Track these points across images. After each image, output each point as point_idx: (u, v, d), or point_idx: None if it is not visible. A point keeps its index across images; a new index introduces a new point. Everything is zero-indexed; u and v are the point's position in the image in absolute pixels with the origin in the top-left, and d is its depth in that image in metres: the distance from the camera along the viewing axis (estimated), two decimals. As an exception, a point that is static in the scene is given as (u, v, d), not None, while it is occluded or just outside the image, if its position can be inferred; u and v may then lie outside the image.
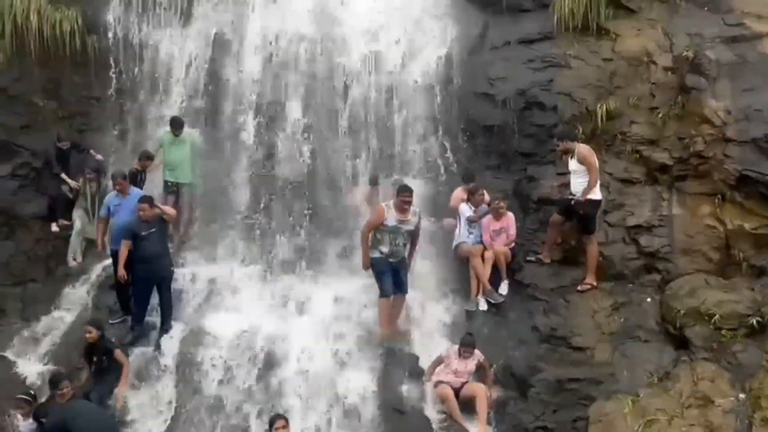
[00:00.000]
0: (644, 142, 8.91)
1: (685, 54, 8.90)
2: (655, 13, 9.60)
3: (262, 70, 10.09)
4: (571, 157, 8.36)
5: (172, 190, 9.53)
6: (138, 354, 8.11)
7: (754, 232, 8.05)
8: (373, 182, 9.53)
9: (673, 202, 8.57)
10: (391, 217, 7.98)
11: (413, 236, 8.20)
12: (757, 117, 8.33)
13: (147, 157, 9.47)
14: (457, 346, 7.79)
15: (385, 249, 7.99)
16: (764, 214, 8.09)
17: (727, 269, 8.11)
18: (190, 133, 9.69)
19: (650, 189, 8.76)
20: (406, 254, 8.21)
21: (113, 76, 10.16)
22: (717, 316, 7.49)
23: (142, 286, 8.29)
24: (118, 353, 7.73)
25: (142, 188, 9.22)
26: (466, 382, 7.73)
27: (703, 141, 8.50)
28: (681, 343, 7.65)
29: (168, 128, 9.59)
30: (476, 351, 7.78)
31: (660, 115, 8.87)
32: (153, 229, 8.20)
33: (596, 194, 8.29)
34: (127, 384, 7.67)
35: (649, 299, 8.16)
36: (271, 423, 6.85)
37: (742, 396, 6.87)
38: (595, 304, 8.18)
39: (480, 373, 7.83)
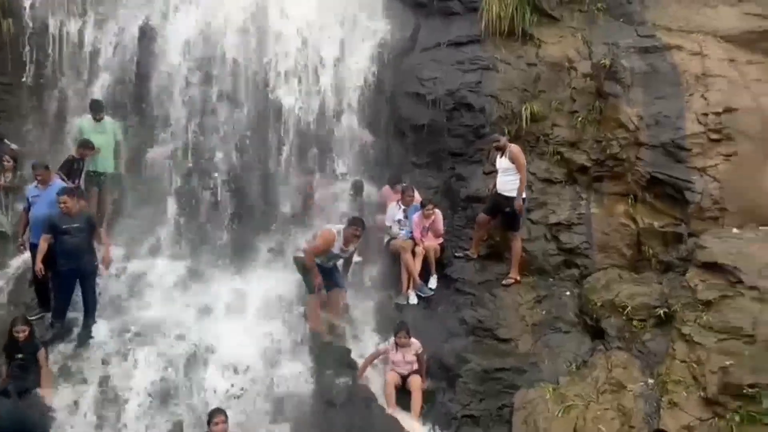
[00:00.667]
0: (565, 144, 9.39)
1: (602, 62, 9.42)
2: (576, 21, 10.12)
3: (189, 61, 9.88)
4: (501, 156, 8.71)
5: (96, 180, 9.19)
6: (59, 351, 7.81)
7: (663, 230, 8.66)
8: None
9: (591, 202, 9.08)
10: (337, 246, 8.19)
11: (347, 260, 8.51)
12: (666, 123, 8.96)
13: (86, 146, 9.00)
14: (393, 339, 7.95)
15: (317, 261, 8.17)
16: (672, 213, 8.71)
17: (639, 264, 8.66)
18: (112, 121, 9.36)
19: (570, 189, 9.24)
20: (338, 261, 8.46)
21: (30, 62, 9.70)
22: (629, 307, 7.99)
23: (64, 281, 7.98)
24: (41, 353, 7.45)
25: (79, 177, 8.82)
26: (408, 375, 7.88)
27: (618, 144, 9.06)
28: (597, 333, 8.13)
29: (88, 114, 9.21)
30: (414, 341, 7.95)
31: (579, 119, 9.37)
32: (76, 224, 7.90)
33: (523, 193, 8.68)
34: (50, 383, 7.39)
35: (568, 292, 8.63)
36: (210, 418, 6.80)
37: (651, 381, 7.36)
38: (518, 298, 8.56)
39: (418, 363, 7.98)
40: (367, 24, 10.43)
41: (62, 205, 7.83)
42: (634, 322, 7.92)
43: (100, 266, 8.17)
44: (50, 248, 7.90)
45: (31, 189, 8.41)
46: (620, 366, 7.57)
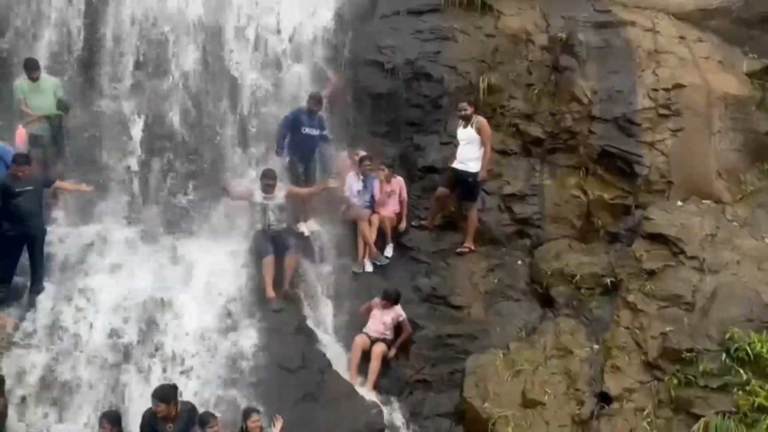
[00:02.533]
0: (521, 117, 9.50)
1: (559, 35, 9.55)
2: (535, -6, 10.18)
3: (138, 23, 9.54)
4: (465, 126, 8.76)
5: (39, 143, 8.86)
6: (6, 316, 7.62)
7: (612, 202, 8.93)
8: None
9: (544, 174, 9.27)
10: (258, 195, 8.54)
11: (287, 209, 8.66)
12: (618, 98, 9.17)
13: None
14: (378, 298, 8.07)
15: (259, 225, 8.43)
16: (621, 186, 8.99)
17: (588, 235, 8.93)
18: (49, 78, 8.95)
19: (524, 161, 9.40)
20: (284, 225, 8.58)
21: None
22: (578, 276, 8.28)
23: (12, 246, 7.76)
24: None
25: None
26: (385, 339, 7.99)
27: (572, 118, 9.24)
28: (547, 301, 8.40)
29: (24, 75, 8.80)
30: (397, 308, 8.08)
31: (536, 92, 9.49)
32: (30, 186, 7.67)
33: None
34: None
35: (520, 262, 8.85)
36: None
37: (596, 347, 7.70)
38: (472, 266, 8.73)
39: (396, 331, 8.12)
40: (326, -11, 10.24)
41: (20, 174, 7.64)
42: (582, 291, 8.22)
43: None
44: None
45: None
46: (568, 332, 7.87)
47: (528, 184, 9.22)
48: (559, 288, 8.32)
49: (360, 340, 8.00)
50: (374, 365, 7.87)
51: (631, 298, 7.80)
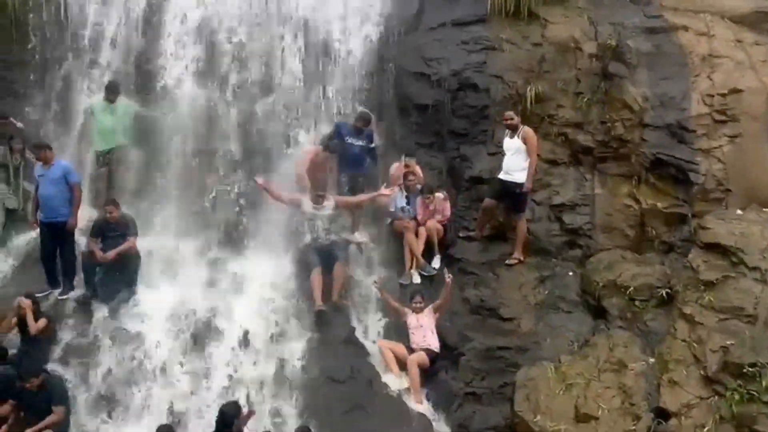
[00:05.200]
0: (569, 125, 9.36)
1: (608, 42, 9.38)
2: (582, 1, 9.98)
3: (196, 37, 9.84)
4: (511, 136, 8.69)
5: (105, 162, 9.20)
6: (68, 328, 7.91)
7: (666, 211, 8.68)
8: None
9: (594, 183, 9.09)
10: (307, 205, 8.56)
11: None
12: (671, 104, 8.94)
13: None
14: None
15: (308, 237, 8.50)
16: (675, 194, 8.73)
17: (641, 245, 8.69)
18: (126, 103, 9.35)
19: (574, 170, 9.24)
20: (333, 237, 8.61)
21: (34, 39, 9.67)
22: (631, 288, 8.05)
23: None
24: (41, 321, 7.54)
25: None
26: (423, 347, 8.01)
27: (623, 125, 9.05)
28: (599, 313, 8.20)
29: (101, 95, 9.22)
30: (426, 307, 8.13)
31: (585, 100, 9.33)
32: (117, 233, 8.24)
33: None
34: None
35: (571, 273, 8.67)
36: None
37: (651, 360, 7.45)
38: (521, 278, 8.60)
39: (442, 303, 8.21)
40: (369, 4, 10.33)
41: (109, 215, 8.20)
42: (636, 303, 7.99)
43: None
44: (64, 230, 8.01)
45: (37, 169, 8.46)
46: (621, 345, 7.65)
47: (578, 193, 9.06)
48: (612, 299, 8.12)
49: (384, 344, 8.04)
50: (412, 374, 7.83)
51: (688, 310, 7.55)
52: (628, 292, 8.04)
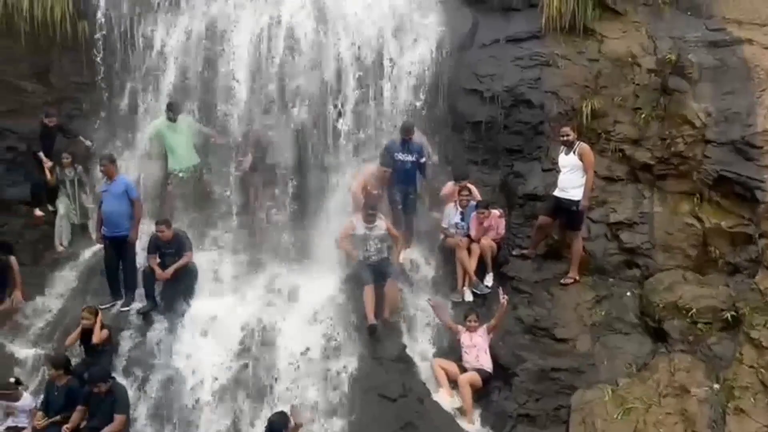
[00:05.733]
0: (627, 142, 9.18)
1: (668, 57, 9.17)
2: (640, 15, 9.85)
3: (254, 59, 10.08)
4: (567, 153, 8.56)
5: (176, 179, 9.51)
6: (129, 339, 8.16)
7: (730, 231, 8.36)
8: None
9: (654, 200, 8.85)
10: (360, 227, 8.50)
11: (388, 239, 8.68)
12: (735, 119, 8.64)
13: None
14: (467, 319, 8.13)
15: (360, 255, 8.50)
16: (740, 213, 8.40)
17: (704, 265, 8.39)
18: (185, 118, 9.65)
19: (632, 187, 9.03)
20: (385, 254, 8.61)
21: (102, 61, 10.12)
22: (694, 310, 7.77)
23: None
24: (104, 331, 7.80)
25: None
26: (476, 367, 7.96)
27: (684, 142, 8.80)
28: (659, 335, 7.93)
29: (163, 115, 9.54)
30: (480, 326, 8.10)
31: (643, 116, 9.13)
32: (171, 250, 8.52)
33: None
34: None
35: (629, 293, 8.43)
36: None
37: (716, 386, 7.15)
38: (577, 297, 8.43)
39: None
40: (423, 22, 10.39)
41: (160, 234, 8.41)
42: (699, 325, 7.71)
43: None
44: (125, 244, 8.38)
45: (102, 185, 8.82)
46: (683, 369, 7.38)
47: (636, 211, 8.83)
48: (673, 322, 7.84)
49: (436, 362, 7.99)
50: (464, 394, 7.74)
51: (755, 334, 7.22)
52: (690, 314, 7.76)
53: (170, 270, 8.33)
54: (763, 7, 9.57)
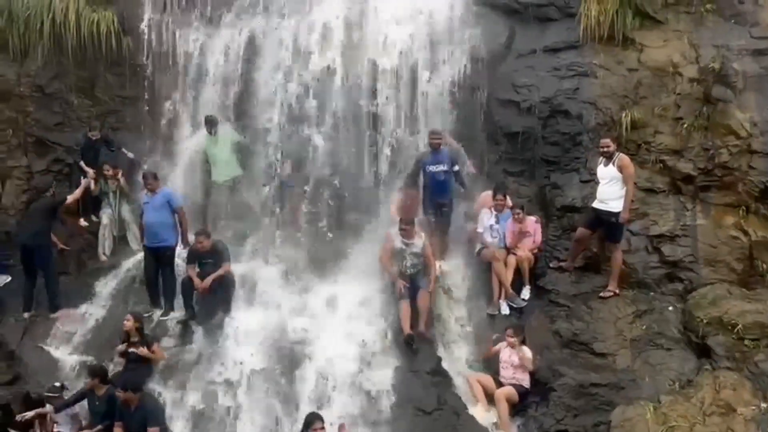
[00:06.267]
0: (668, 152, 8.99)
1: (711, 65, 8.97)
2: (682, 24, 9.65)
3: (291, 73, 10.21)
4: (606, 164, 8.43)
5: (216, 191, 9.69)
6: (167, 348, 8.31)
7: (778, 244, 8.12)
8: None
9: (696, 212, 8.64)
10: (398, 241, 8.50)
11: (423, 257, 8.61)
12: (782, 129, 8.41)
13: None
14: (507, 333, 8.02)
15: (396, 268, 8.48)
16: (788, 226, 8.16)
17: (750, 280, 8.17)
18: (226, 131, 9.83)
19: (674, 199, 8.83)
20: (420, 268, 8.58)
21: (147, 76, 10.38)
22: (740, 325, 7.54)
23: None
24: (145, 349, 7.92)
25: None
26: (512, 382, 7.88)
27: (728, 152, 8.59)
28: (703, 351, 7.70)
29: (203, 130, 9.77)
30: (525, 348, 7.96)
31: (685, 126, 8.94)
32: (210, 260, 8.63)
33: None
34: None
35: (671, 308, 8.23)
36: (308, 424, 6.90)
37: (764, 405, 6.91)
38: (617, 311, 8.25)
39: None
40: (460, 31, 10.38)
41: (199, 245, 8.54)
42: (746, 341, 7.47)
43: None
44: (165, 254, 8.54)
45: (143, 197, 9.00)
46: (729, 387, 7.15)
47: (678, 223, 8.63)
48: (718, 337, 7.61)
49: (472, 376, 7.92)
50: (501, 409, 7.65)
51: (805, 352, 6.96)
52: (736, 329, 7.53)
53: (208, 280, 8.45)
54: (810, 13, 9.30)
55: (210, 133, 9.70)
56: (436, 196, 9.20)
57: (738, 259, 8.24)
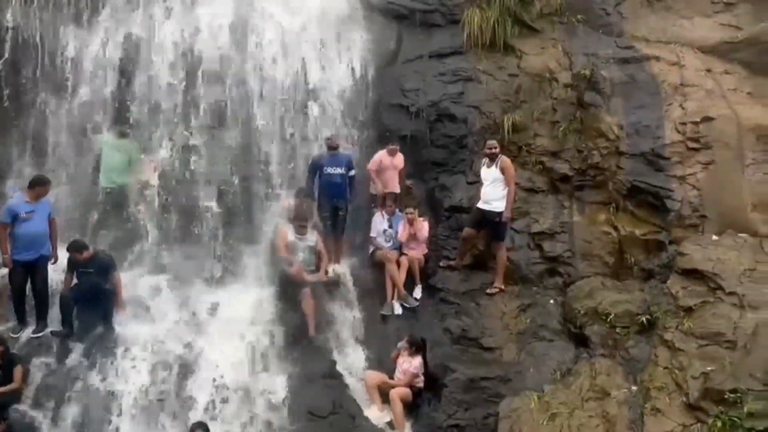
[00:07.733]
0: (547, 154, 9.49)
1: (583, 72, 9.58)
2: (557, 33, 10.25)
3: (174, 73, 9.84)
4: (489, 166, 8.75)
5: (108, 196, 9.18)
6: (41, 367, 7.73)
7: (644, 238, 8.77)
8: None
9: (573, 210, 9.18)
10: (291, 235, 8.65)
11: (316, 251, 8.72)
12: (645, 132, 9.11)
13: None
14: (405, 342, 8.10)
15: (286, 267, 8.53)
16: (652, 221, 8.84)
17: (621, 272, 8.75)
18: (130, 142, 9.40)
19: (552, 198, 9.33)
20: (314, 267, 8.69)
21: (9, 77, 9.60)
22: (612, 315, 8.06)
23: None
24: (17, 370, 7.36)
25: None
26: (404, 385, 7.96)
27: (599, 154, 9.20)
28: (581, 341, 8.18)
29: (111, 131, 9.34)
30: (415, 361, 8.06)
31: (561, 129, 9.48)
32: (91, 269, 8.14)
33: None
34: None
35: (552, 301, 8.68)
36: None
37: (634, 388, 7.42)
38: (503, 306, 8.60)
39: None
40: (349, 36, 10.44)
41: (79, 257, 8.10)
42: (617, 330, 7.99)
43: None
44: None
45: (19, 204, 8.23)
46: (604, 373, 7.63)
47: (557, 221, 9.13)
48: (594, 327, 8.11)
49: (369, 377, 7.99)
50: (396, 410, 7.75)
51: (668, 336, 7.56)
52: (609, 319, 8.05)
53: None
54: (668, 26, 10.16)
55: (119, 136, 9.27)
56: (332, 198, 9.20)
57: (610, 253, 8.83)
